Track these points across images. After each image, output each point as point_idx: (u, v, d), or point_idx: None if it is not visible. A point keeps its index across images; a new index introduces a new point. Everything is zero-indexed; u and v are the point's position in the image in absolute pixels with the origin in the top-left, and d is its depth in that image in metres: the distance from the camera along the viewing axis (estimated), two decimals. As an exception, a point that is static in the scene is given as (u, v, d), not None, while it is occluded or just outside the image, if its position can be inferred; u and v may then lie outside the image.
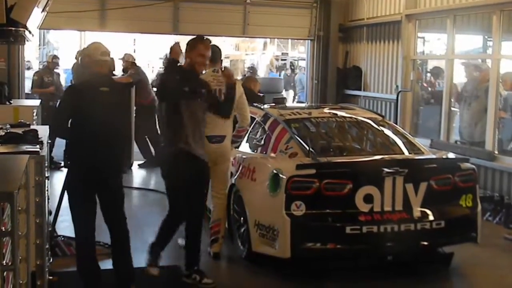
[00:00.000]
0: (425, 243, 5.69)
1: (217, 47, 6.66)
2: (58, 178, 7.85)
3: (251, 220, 5.83)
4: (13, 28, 4.34)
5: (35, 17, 4.66)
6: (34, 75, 11.66)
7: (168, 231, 5.63)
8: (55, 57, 12.03)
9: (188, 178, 5.36)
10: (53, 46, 30.85)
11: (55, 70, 11.69)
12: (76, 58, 11.87)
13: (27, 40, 5.00)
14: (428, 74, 12.05)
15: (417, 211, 5.57)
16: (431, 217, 5.59)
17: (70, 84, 5.15)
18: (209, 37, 5.59)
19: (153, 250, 5.62)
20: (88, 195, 4.94)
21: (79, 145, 4.88)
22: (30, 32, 4.73)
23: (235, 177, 6.27)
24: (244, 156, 6.34)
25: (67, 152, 5.02)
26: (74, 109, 4.78)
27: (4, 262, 2.67)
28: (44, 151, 4.71)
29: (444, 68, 10.15)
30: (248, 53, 33.01)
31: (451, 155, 6.40)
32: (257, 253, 5.80)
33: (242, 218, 6.10)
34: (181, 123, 5.28)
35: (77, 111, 4.77)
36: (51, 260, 5.36)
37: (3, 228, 2.64)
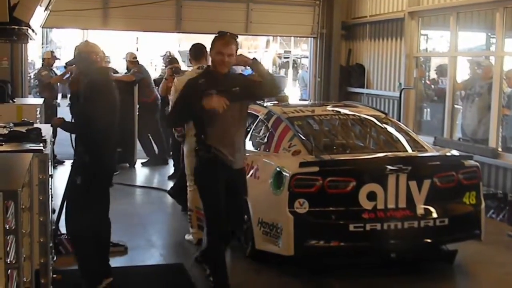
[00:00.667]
0: (429, 240, 5.69)
1: (200, 44, 6.82)
2: (62, 176, 7.85)
3: (254, 218, 5.82)
4: (16, 27, 4.33)
5: (38, 16, 4.66)
6: (41, 71, 11.49)
7: (215, 253, 5.02)
8: (53, 52, 11.97)
9: (217, 186, 4.87)
10: (56, 45, 30.88)
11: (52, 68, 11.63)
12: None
13: (30, 39, 4.99)
14: (432, 72, 12.02)
15: (420, 209, 5.56)
16: (434, 215, 5.59)
17: (90, 81, 5.02)
18: (233, 33, 4.95)
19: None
20: (106, 192, 5.18)
21: (105, 141, 5.00)
22: (33, 30, 4.72)
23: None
24: (247, 154, 6.33)
25: (91, 149, 4.94)
26: (106, 104, 4.93)
27: (8, 260, 2.67)
28: (48, 150, 4.71)
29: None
30: (250, 51, 32.99)
31: (454, 153, 6.39)
32: (260, 251, 5.81)
33: (245, 216, 6.10)
34: (207, 127, 4.83)
35: (107, 107, 4.95)
36: (55, 258, 5.37)
37: (7, 226, 2.64)
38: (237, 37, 4.93)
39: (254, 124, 6.85)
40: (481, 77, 9.29)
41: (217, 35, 4.92)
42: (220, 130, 4.82)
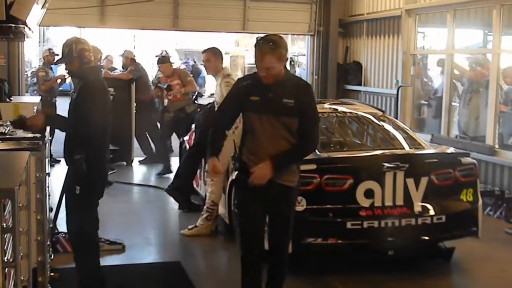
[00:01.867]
0: (426, 237, 5.69)
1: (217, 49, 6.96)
2: (58, 175, 7.85)
3: (252, 215, 5.81)
4: (13, 25, 4.32)
5: (35, 14, 4.65)
6: (39, 71, 11.48)
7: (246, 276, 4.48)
8: (51, 49, 11.94)
9: (251, 204, 4.34)
10: (53, 43, 30.82)
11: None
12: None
13: (27, 37, 4.97)
14: (428, 70, 12.04)
15: (418, 206, 5.56)
16: (432, 212, 5.59)
17: (90, 79, 4.79)
18: (272, 38, 4.17)
19: None
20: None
21: (101, 145, 4.86)
22: (30, 28, 4.71)
23: (237, 172, 6.26)
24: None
25: (88, 155, 4.70)
26: (101, 107, 4.79)
27: (6, 258, 2.67)
28: (45, 148, 4.70)
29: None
30: (248, 49, 32.94)
31: (451, 150, 6.39)
32: (258, 249, 5.79)
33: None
34: (245, 138, 4.29)
35: (102, 109, 4.81)
36: (52, 256, 5.36)
37: (4, 224, 2.64)
38: (273, 43, 4.11)
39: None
40: (478, 74, 9.30)
41: (257, 41, 4.22)
42: (256, 145, 4.22)
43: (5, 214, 2.64)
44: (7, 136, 4.86)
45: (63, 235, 6.08)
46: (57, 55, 11.53)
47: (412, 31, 10.68)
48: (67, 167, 4.97)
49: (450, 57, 9.77)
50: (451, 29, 9.63)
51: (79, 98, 4.76)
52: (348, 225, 5.39)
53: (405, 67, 10.70)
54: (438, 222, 5.60)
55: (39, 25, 10.89)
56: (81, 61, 4.75)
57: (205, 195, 6.93)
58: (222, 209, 6.85)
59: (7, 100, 8.22)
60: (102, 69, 9.07)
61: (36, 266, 4.08)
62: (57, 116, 5.19)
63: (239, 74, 31.65)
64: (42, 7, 5.03)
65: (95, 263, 4.97)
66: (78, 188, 4.74)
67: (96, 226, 5.04)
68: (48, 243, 4.76)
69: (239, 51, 32.20)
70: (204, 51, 6.97)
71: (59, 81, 11.11)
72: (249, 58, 30.73)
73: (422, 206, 5.58)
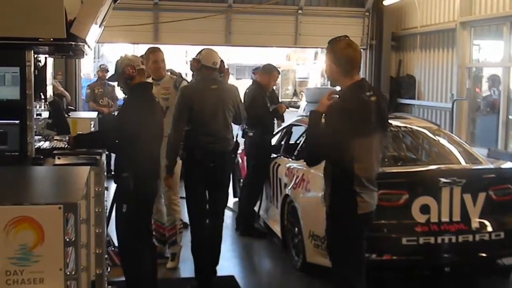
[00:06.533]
0: (484, 254, 5.56)
1: None
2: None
3: (305, 230, 5.81)
4: (73, 43, 4.43)
5: (94, 32, 4.76)
6: (87, 88, 11.80)
7: None
8: (103, 66, 12.21)
9: None
10: (108, 59, 31.49)
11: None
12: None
13: (86, 54, 5.08)
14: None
15: (475, 222, 5.45)
16: (489, 228, 5.47)
17: (132, 97, 4.87)
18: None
19: None
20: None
21: (151, 160, 4.86)
22: (89, 46, 4.82)
23: (289, 187, 6.27)
24: (298, 167, 6.33)
25: (135, 173, 4.66)
26: (148, 122, 4.79)
27: (68, 271, 2.74)
28: (103, 162, 4.79)
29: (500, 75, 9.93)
30: (299, 63, 33.00)
31: (510, 165, 6.25)
32: (312, 264, 5.78)
33: (296, 229, 6.09)
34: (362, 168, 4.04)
35: (150, 125, 4.84)
36: (109, 269, 5.44)
37: (67, 238, 2.70)
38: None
39: (305, 137, 6.84)
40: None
41: None
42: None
43: (68, 228, 2.71)
44: (67, 151, 4.96)
45: (112, 248, 6.12)
46: (108, 71, 11.81)
47: (467, 44, 10.52)
48: (115, 185, 4.94)
49: (506, 70, 9.58)
50: (508, 41, 9.45)
51: (120, 113, 4.87)
52: (404, 241, 5.32)
53: (461, 80, 10.53)
54: (497, 238, 5.47)
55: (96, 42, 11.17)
56: (124, 77, 4.79)
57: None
58: (275, 225, 6.85)
59: (66, 115, 8.42)
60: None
61: (94, 279, 4.16)
62: (84, 136, 5.15)
63: (290, 88, 31.66)
64: (100, 25, 5.14)
65: (145, 278, 4.93)
66: (125, 206, 4.75)
67: (147, 242, 5.01)
68: (106, 256, 4.83)
69: (290, 65, 32.27)
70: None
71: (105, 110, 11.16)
72: (300, 73, 30.79)
73: (480, 222, 5.47)
